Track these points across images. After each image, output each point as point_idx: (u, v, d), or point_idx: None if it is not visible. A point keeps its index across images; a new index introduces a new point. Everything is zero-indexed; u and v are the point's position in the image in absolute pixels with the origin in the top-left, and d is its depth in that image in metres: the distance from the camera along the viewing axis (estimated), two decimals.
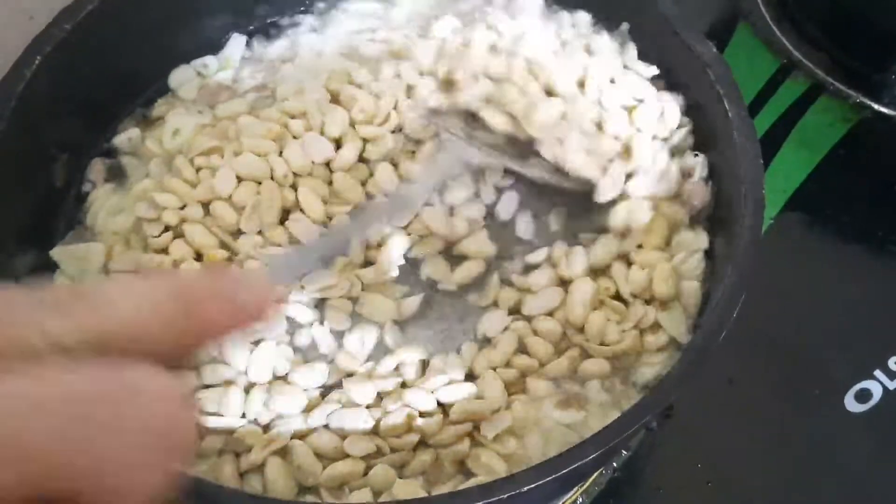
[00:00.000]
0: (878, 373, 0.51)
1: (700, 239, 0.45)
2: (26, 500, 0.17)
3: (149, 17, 0.51)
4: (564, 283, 0.44)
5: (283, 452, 0.40)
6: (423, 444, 0.40)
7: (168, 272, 0.41)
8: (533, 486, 0.33)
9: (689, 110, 0.49)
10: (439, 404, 0.41)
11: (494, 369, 0.42)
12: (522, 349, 0.43)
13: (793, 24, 0.63)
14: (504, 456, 0.39)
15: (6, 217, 0.44)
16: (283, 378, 0.42)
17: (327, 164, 0.47)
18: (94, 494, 0.18)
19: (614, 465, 0.48)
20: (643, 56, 0.52)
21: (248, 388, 0.41)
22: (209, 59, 0.53)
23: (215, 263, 0.43)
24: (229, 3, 0.54)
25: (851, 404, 0.50)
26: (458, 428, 0.40)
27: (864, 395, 0.50)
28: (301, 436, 0.40)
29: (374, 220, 0.42)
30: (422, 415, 0.40)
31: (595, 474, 0.47)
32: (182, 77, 0.52)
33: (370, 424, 0.40)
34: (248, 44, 0.54)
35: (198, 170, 0.47)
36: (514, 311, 0.44)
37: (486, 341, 0.44)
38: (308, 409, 0.41)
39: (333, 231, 0.44)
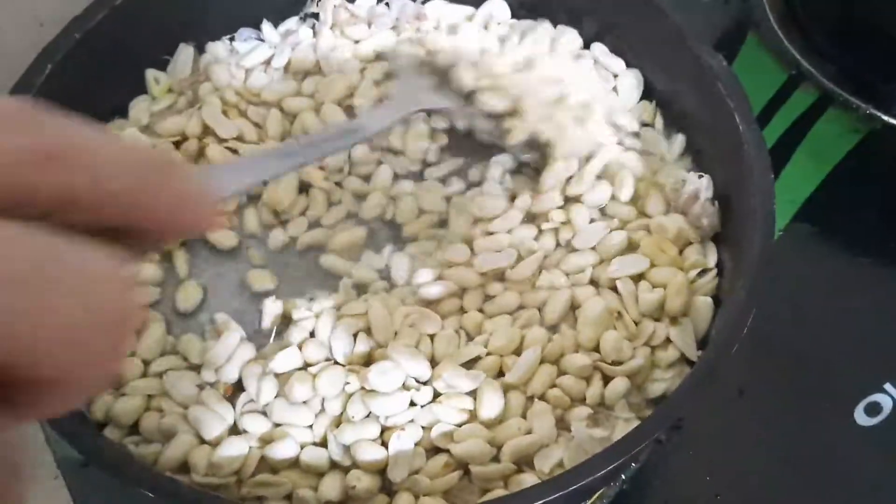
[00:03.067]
0: (888, 386, 0.51)
1: (711, 256, 0.45)
2: None
3: (159, 25, 0.52)
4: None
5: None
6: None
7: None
8: (539, 503, 0.33)
9: (698, 123, 0.49)
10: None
11: (540, 397, 0.42)
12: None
13: (802, 36, 0.63)
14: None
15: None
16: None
17: None
18: (30, 371, 0.15)
19: (622, 477, 0.48)
20: (651, 67, 0.52)
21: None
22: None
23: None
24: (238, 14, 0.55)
25: (861, 417, 0.50)
26: (508, 466, 0.40)
27: (873, 409, 0.50)
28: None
29: (327, 143, 0.40)
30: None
31: (602, 488, 0.47)
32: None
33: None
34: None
35: None
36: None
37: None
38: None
39: (285, 148, 0.44)
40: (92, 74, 0.48)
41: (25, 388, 0.16)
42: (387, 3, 0.56)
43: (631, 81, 0.52)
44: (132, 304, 0.17)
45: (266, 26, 0.54)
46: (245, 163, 0.40)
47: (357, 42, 0.54)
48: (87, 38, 0.47)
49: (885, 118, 0.60)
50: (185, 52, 0.53)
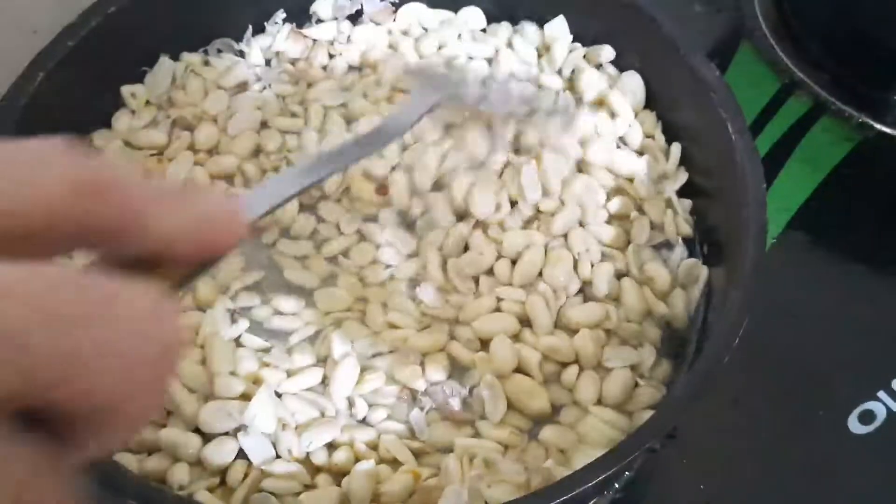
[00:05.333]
0: (881, 394, 0.51)
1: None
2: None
3: (152, 36, 0.52)
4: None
5: None
6: None
7: None
8: None
9: (693, 132, 0.49)
10: None
11: None
12: None
13: (795, 44, 0.63)
14: None
15: None
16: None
17: None
18: (84, 413, 0.16)
19: (616, 485, 0.48)
20: (648, 77, 0.52)
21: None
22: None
23: None
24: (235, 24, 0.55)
25: (855, 426, 0.50)
26: None
27: (867, 417, 0.50)
28: None
29: (356, 150, 0.38)
30: None
31: (595, 497, 0.47)
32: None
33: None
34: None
35: None
36: None
37: None
38: None
39: (314, 159, 0.40)
40: (82, 83, 0.48)
41: (80, 425, 0.17)
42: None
43: (635, 84, 0.53)
44: (178, 335, 0.18)
45: (254, 49, 0.54)
46: (273, 183, 0.36)
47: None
48: (80, 47, 0.47)
49: (878, 126, 0.60)
50: (165, 64, 0.53)
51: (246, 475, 0.40)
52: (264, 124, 0.52)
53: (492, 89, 0.46)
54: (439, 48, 0.55)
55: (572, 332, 0.44)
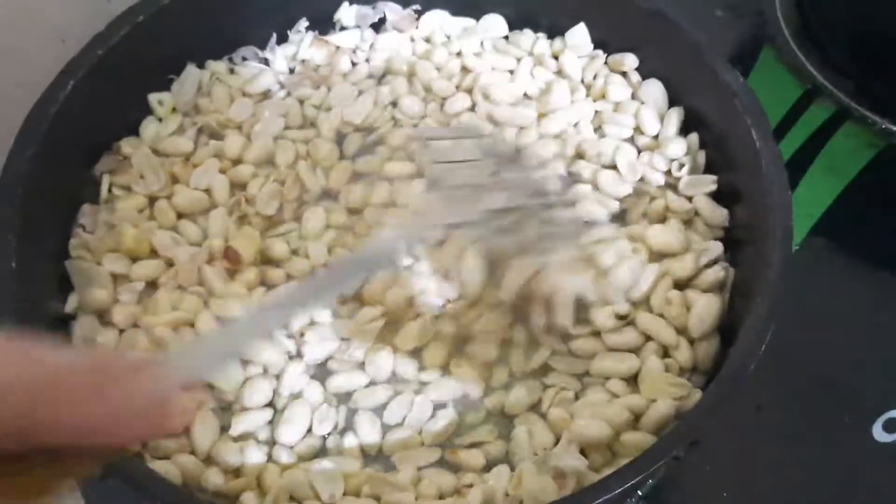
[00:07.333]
0: None
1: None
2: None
3: (178, 44, 0.52)
4: None
5: None
6: None
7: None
8: None
9: (715, 139, 0.49)
10: None
11: None
12: None
13: (817, 49, 0.63)
14: None
15: (37, 232, 0.45)
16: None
17: None
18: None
19: (639, 492, 0.48)
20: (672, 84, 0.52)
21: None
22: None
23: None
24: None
25: (879, 434, 0.49)
26: None
27: (892, 425, 0.50)
28: None
29: (328, 286, 0.35)
30: None
31: None
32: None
33: None
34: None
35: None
36: None
37: None
38: None
39: (264, 307, 0.36)
40: (110, 91, 0.49)
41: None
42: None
43: (657, 91, 0.53)
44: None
45: (278, 56, 0.55)
46: (213, 339, 0.33)
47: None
48: (108, 56, 0.48)
49: None
50: (191, 72, 0.53)
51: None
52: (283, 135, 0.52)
53: (508, 177, 0.41)
54: (458, 54, 0.55)
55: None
